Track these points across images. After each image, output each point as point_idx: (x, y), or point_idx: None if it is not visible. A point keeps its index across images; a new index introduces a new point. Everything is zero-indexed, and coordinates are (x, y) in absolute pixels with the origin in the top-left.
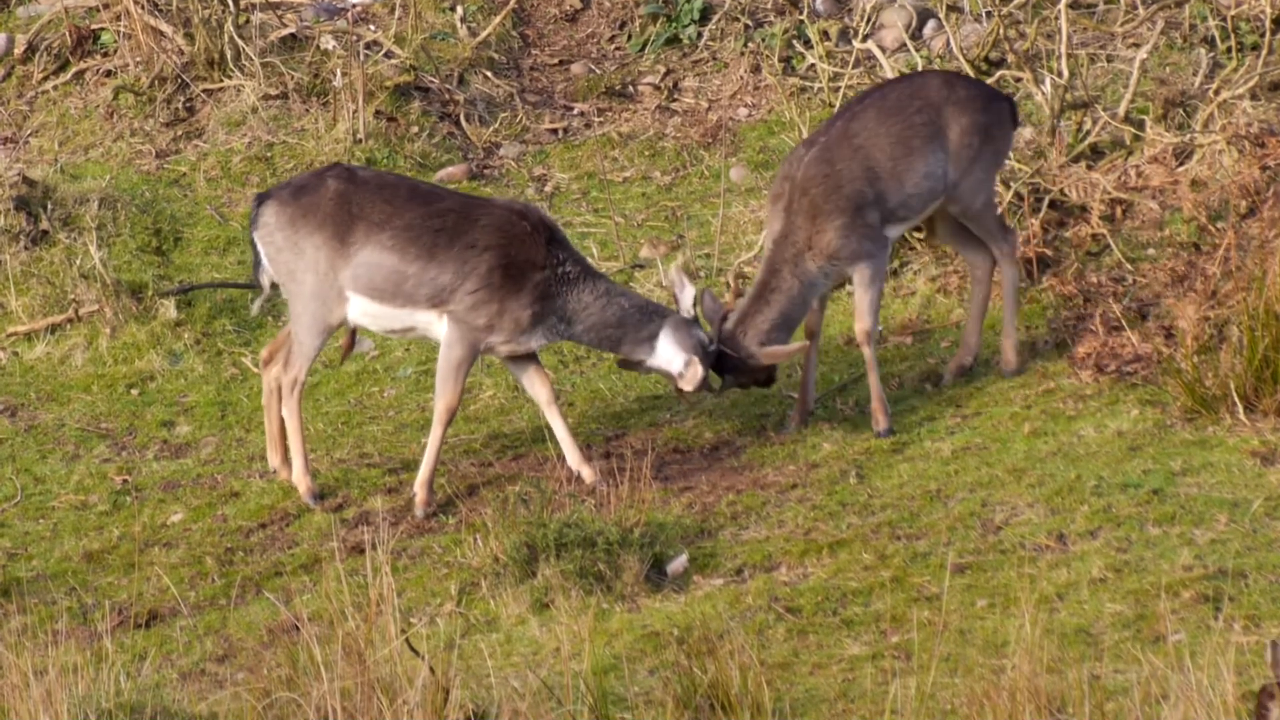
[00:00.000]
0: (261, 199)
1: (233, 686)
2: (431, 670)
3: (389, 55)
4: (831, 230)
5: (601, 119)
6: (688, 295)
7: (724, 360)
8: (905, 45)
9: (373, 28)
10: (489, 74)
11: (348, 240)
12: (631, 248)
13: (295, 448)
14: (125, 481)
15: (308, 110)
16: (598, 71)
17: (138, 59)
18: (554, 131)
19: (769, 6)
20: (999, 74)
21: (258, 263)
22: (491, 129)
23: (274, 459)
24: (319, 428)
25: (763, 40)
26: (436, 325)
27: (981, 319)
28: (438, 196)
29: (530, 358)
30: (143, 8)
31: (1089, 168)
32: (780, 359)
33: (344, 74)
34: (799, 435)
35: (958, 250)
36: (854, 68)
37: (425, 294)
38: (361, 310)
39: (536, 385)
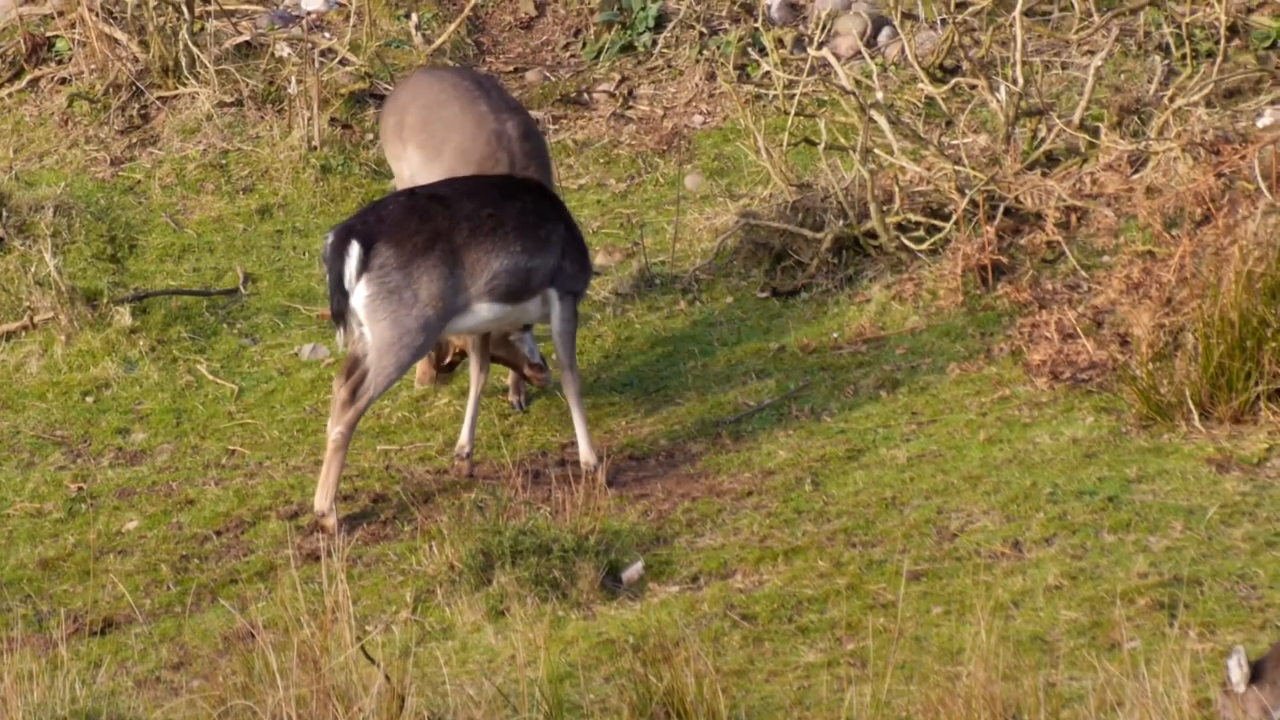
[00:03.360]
0: (358, 238)
1: (188, 694)
2: (387, 678)
3: (344, 63)
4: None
5: (556, 126)
6: None
7: None
8: (860, 53)
9: (328, 35)
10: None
11: (463, 257)
12: (595, 252)
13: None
14: (80, 489)
15: (263, 117)
16: (553, 79)
17: (92, 66)
18: None
19: (724, 14)
20: (954, 81)
21: (342, 303)
22: None
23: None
24: (274, 434)
25: (718, 48)
26: (542, 308)
27: None
28: (481, 185)
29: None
30: (97, 15)
31: (1044, 175)
32: None
33: (299, 81)
34: (754, 443)
35: None
36: (809, 75)
37: (541, 279)
38: (480, 317)
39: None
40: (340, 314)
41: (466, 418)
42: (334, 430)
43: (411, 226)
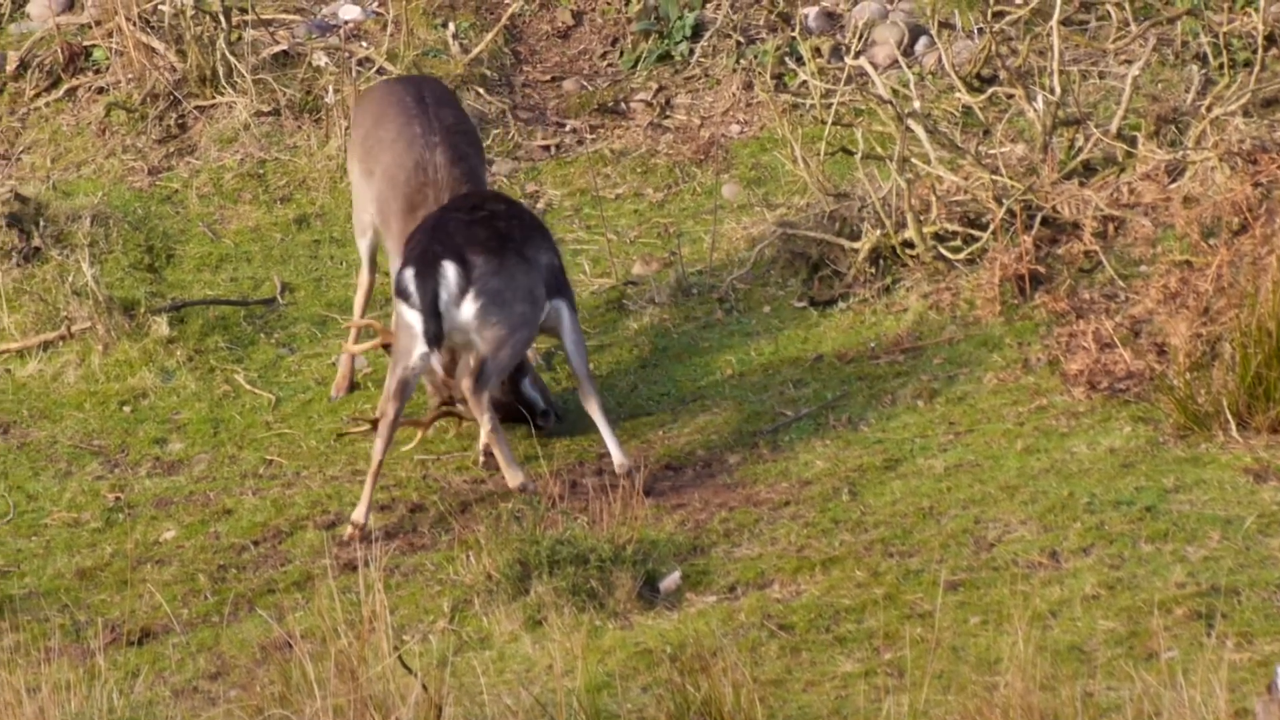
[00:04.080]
0: (449, 259)
1: (225, 704)
2: (424, 688)
3: (381, 72)
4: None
5: (594, 136)
6: None
7: None
8: (897, 62)
9: (365, 44)
10: (481, 90)
11: (537, 259)
12: (624, 265)
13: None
14: (118, 499)
15: (300, 127)
16: (590, 88)
17: (130, 76)
18: (546, 148)
19: (761, 23)
20: (992, 90)
21: (440, 326)
22: (483, 145)
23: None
24: (311, 444)
25: (755, 57)
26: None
27: None
28: (487, 197)
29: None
30: (135, 25)
31: (1081, 184)
32: None
33: (336, 90)
34: (791, 453)
35: None
36: (846, 84)
37: (552, 287)
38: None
39: None
40: (440, 338)
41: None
42: (484, 419)
43: (483, 235)
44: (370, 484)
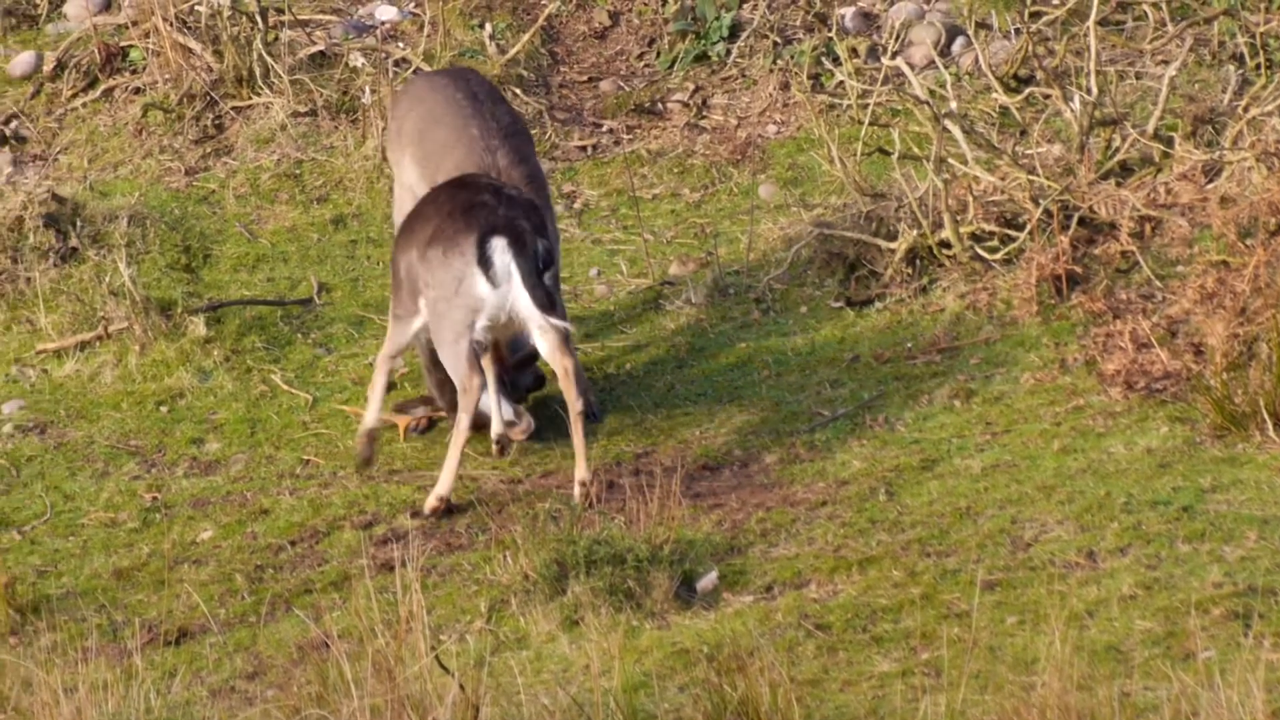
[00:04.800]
0: (539, 235)
1: (263, 704)
2: (462, 687)
3: (418, 72)
4: (547, 223)
5: (630, 136)
6: None
7: None
8: (934, 62)
9: (402, 45)
10: (518, 91)
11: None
12: (661, 265)
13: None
14: (155, 499)
15: (336, 127)
16: (626, 89)
17: (166, 76)
18: (583, 149)
19: (798, 24)
20: (1028, 90)
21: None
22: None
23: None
24: (348, 444)
25: (791, 57)
26: None
27: None
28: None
29: None
30: (171, 25)
31: (1118, 185)
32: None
33: (373, 91)
34: (828, 453)
35: None
36: (882, 84)
37: None
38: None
39: None
40: (552, 305)
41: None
42: (579, 404)
43: (536, 218)
44: (457, 461)
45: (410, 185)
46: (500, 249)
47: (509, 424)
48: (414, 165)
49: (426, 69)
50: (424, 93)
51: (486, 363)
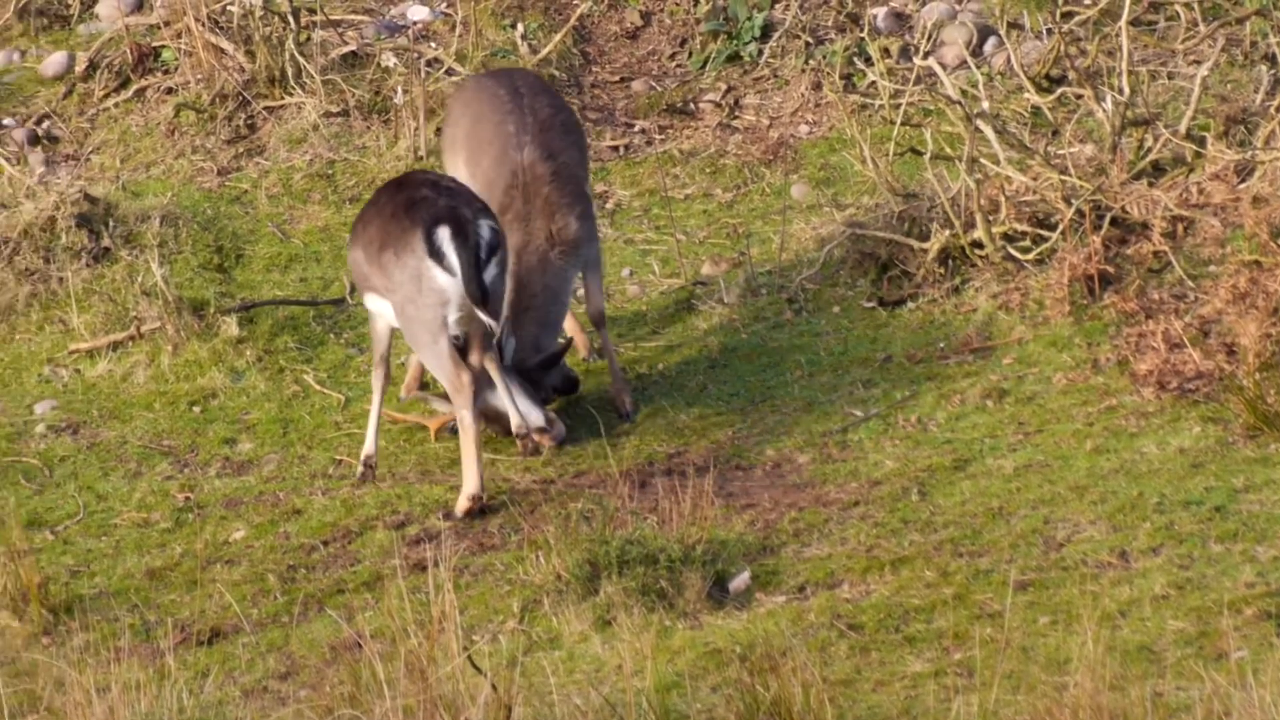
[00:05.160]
0: (486, 219)
1: (295, 704)
2: (494, 688)
3: (450, 72)
4: (573, 219)
5: (663, 136)
6: (511, 346)
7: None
8: (966, 62)
9: (434, 45)
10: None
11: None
12: (693, 265)
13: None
14: (187, 499)
15: (369, 127)
16: (659, 89)
17: (199, 76)
18: (615, 149)
19: (830, 24)
20: (1060, 90)
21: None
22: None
23: None
24: (381, 444)
25: (824, 57)
26: None
27: None
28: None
29: None
30: (204, 25)
31: (1150, 185)
32: (555, 362)
33: (405, 91)
34: (860, 453)
35: None
36: (915, 85)
37: None
38: None
39: None
40: (486, 297)
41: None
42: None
43: (481, 204)
44: (475, 458)
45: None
46: (446, 238)
47: (540, 430)
48: (464, 167)
49: (460, 70)
50: (471, 95)
51: (490, 360)
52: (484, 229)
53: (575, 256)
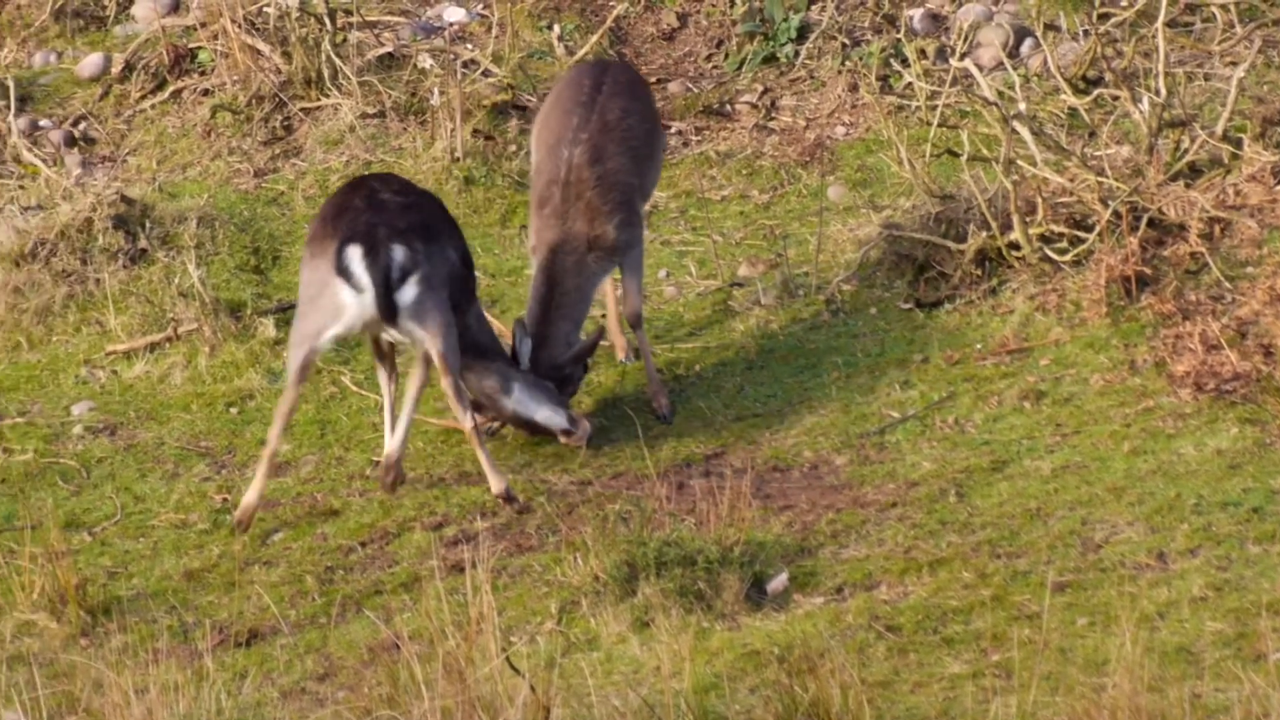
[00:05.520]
0: (398, 240)
1: (333, 705)
2: (532, 689)
3: (486, 74)
4: (611, 227)
5: (699, 137)
6: (528, 349)
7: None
8: (1003, 63)
9: (470, 46)
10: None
11: (449, 255)
12: (730, 267)
13: None
14: (225, 500)
15: (405, 129)
16: (695, 90)
17: (235, 78)
18: None
19: (866, 25)
20: (1097, 92)
21: (390, 293)
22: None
23: None
24: (418, 446)
25: (860, 59)
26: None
27: None
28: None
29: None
30: (240, 27)
31: (1187, 186)
32: (588, 355)
33: (441, 92)
34: (898, 454)
35: None
36: (951, 86)
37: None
38: None
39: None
40: (395, 316)
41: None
42: (465, 420)
43: (416, 219)
44: (264, 467)
45: (532, 175)
46: (356, 258)
47: (565, 431)
48: (534, 150)
49: (495, 71)
50: (563, 81)
51: (446, 379)
52: (397, 251)
53: (611, 260)
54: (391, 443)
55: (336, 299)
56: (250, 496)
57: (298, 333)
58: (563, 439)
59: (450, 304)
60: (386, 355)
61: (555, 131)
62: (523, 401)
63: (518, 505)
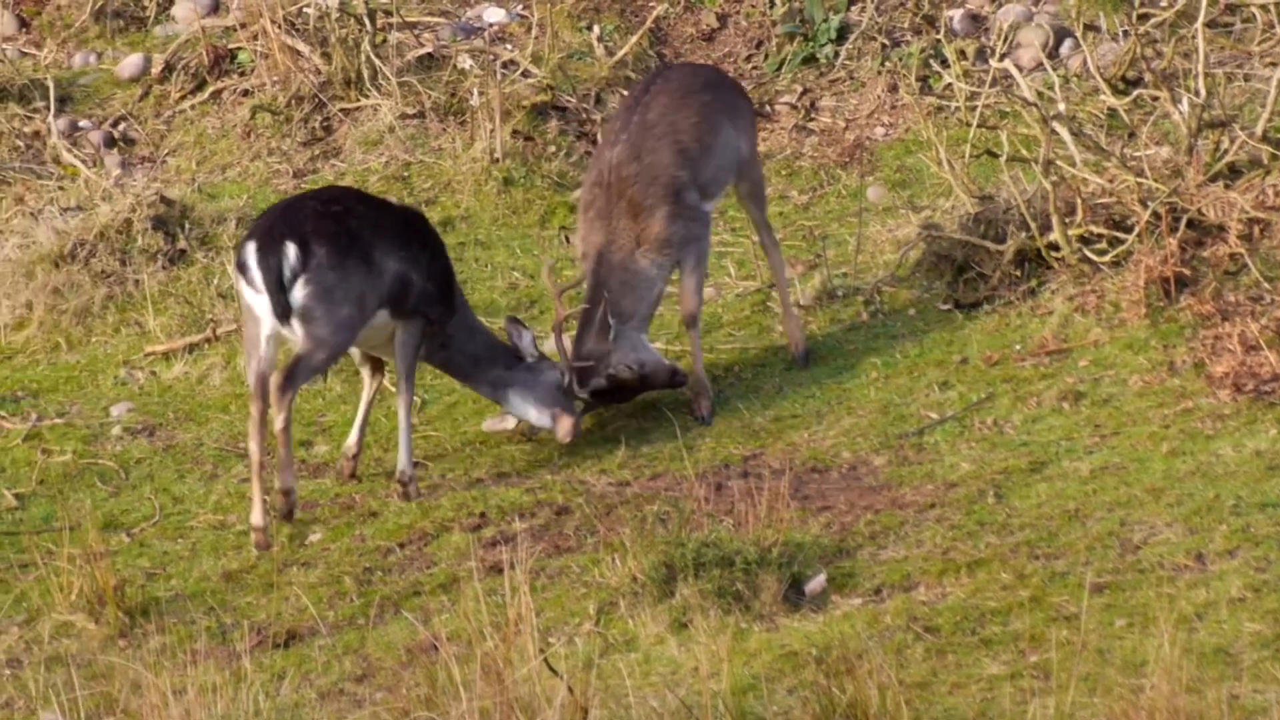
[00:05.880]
0: (292, 239)
1: (371, 706)
2: (570, 690)
3: (526, 74)
4: (656, 220)
5: None
6: (528, 340)
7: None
8: (1042, 64)
9: (510, 47)
10: (626, 93)
11: (383, 266)
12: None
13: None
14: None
15: (445, 129)
16: None
17: (274, 78)
18: None
19: (906, 26)
20: (1137, 93)
21: (284, 302)
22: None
23: None
24: (456, 446)
25: (900, 59)
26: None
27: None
28: (356, 194)
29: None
30: (280, 27)
31: (1226, 187)
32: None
33: (481, 93)
34: (936, 455)
35: None
36: (991, 87)
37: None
38: (375, 325)
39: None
40: (288, 312)
41: (358, 421)
42: (279, 419)
43: (332, 228)
44: (257, 485)
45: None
46: (250, 254)
47: (534, 430)
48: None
49: (535, 72)
50: (646, 81)
51: (400, 395)
52: (289, 250)
53: (664, 256)
54: (350, 438)
55: (246, 301)
56: (255, 517)
57: (244, 344)
58: (531, 436)
59: (395, 317)
60: (367, 357)
61: (604, 138)
62: (517, 406)
63: (291, 501)
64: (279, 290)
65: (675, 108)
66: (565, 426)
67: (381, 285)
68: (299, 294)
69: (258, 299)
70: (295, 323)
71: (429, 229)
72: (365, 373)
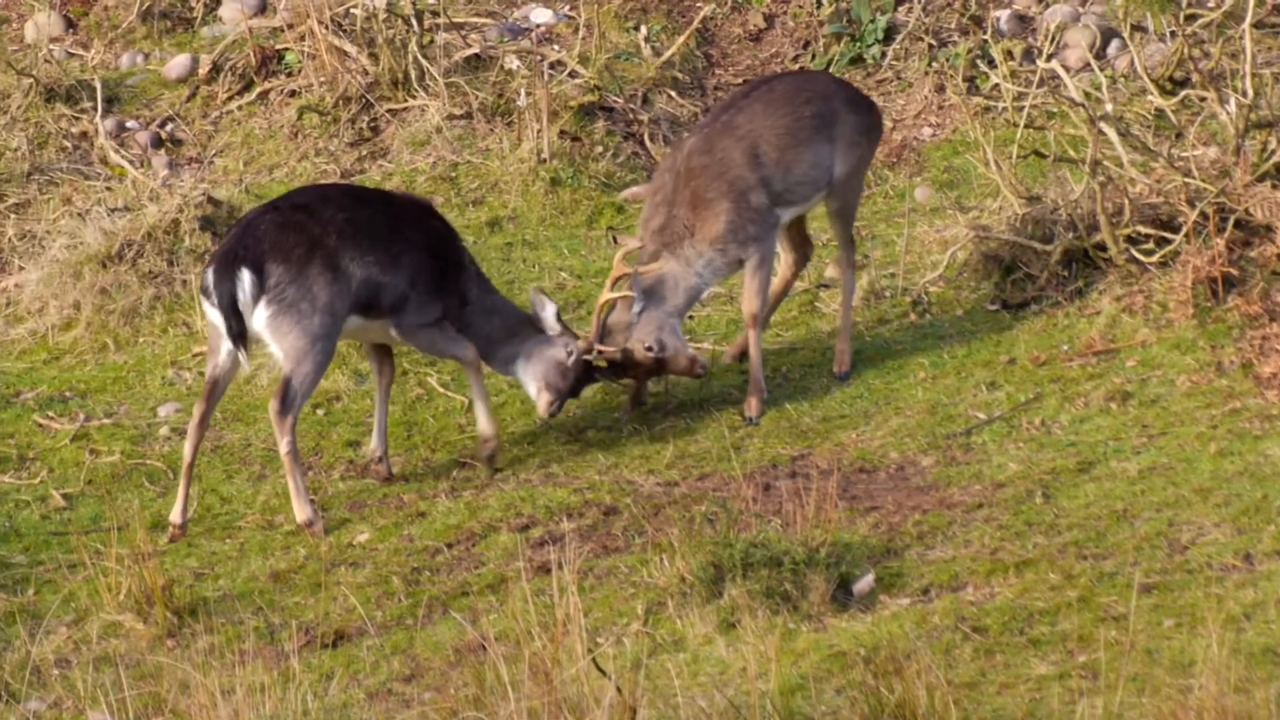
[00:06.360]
0: (245, 264)
1: (420, 706)
2: (619, 690)
3: (573, 75)
4: (714, 215)
5: None
6: (550, 313)
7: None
8: (1089, 65)
9: (557, 48)
10: (673, 94)
11: (349, 271)
12: (816, 267)
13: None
14: (311, 501)
15: (492, 130)
16: None
17: (322, 79)
18: None
19: (953, 26)
20: (1184, 93)
21: (240, 326)
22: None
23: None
24: (505, 446)
25: (947, 60)
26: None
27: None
28: (337, 191)
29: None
30: (327, 28)
31: (1274, 187)
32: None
33: (528, 94)
34: (984, 455)
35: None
36: (1038, 87)
37: (390, 299)
38: (350, 329)
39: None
40: (243, 335)
41: (376, 422)
42: (282, 444)
43: (290, 241)
44: (183, 483)
45: None
46: (208, 275)
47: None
48: None
49: (582, 72)
50: (757, 81)
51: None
52: (244, 274)
53: (714, 251)
54: (372, 440)
55: (209, 314)
56: (174, 514)
57: (209, 346)
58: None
59: (375, 313)
60: (374, 351)
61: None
62: (519, 375)
63: (315, 530)
64: (232, 315)
65: (766, 114)
66: (544, 401)
67: (348, 291)
68: (262, 315)
69: (220, 318)
70: (269, 341)
71: (429, 227)
72: (373, 366)
